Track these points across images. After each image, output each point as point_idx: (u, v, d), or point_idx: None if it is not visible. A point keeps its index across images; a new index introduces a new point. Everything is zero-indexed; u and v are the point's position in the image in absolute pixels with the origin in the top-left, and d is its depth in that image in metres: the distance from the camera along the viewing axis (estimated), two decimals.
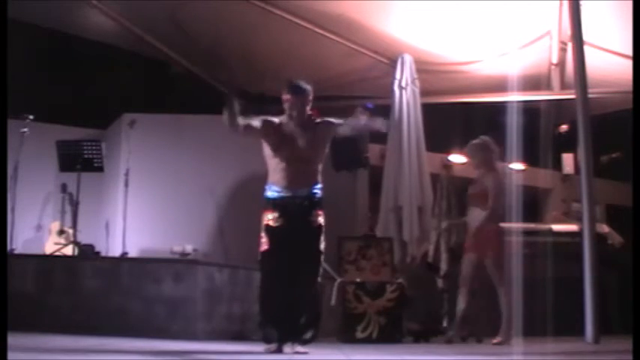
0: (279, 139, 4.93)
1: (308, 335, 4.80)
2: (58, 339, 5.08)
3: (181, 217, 8.50)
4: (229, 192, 8.80)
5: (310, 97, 4.98)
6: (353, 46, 8.53)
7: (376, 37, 8.34)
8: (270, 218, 4.84)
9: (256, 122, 4.97)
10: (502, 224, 6.35)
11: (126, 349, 4.62)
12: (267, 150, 4.96)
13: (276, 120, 5.03)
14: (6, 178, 7.12)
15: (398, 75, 8.36)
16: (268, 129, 4.96)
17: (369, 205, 8.93)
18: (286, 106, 4.98)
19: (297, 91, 4.97)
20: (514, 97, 8.12)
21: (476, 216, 6.34)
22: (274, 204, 4.85)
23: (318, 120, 5.03)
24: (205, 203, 8.65)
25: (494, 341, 6.11)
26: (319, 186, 4.95)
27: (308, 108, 4.99)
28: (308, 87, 4.99)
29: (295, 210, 4.83)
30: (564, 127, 10.47)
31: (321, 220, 4.88)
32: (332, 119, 5.03)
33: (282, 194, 4.86)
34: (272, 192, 4.89)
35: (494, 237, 6.22)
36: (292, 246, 4.76)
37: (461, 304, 6.33)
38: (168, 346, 5.02)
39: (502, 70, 8.47)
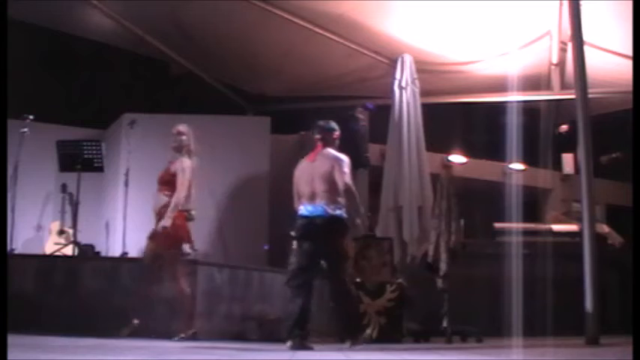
0: None
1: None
2: (58, 339, 5.08)
3: None
4: (229, 192, 8.79)
5: None
6: (353, 46, 8.53)
7: (376, 37, 8.35)
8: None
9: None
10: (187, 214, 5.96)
11: (126, 349, 4.62)
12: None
13: None
14: (6, 178, 7.12)
15: (398, 75, 8.36)
16: None
17: (369, 205, 8.93)
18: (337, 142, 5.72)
19: None
20: (514, 97, 8.13)
21: (159, 202, 5.98)
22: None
23: None
24: (205, 203, 8.64)
25: (182, 335, 5.70)
26: None
27: None
28: None
29: None
30: (564, 127, 10.47)
31: None
32: None
33: None
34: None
35: (174, 227, 5.83)
36: None
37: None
38: (169, 346, 5.02)
39: (502, 70, 8.47)
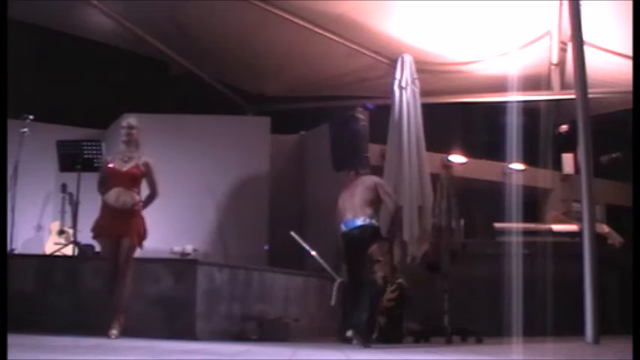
0: None
1: None
2: (58, 339, 5.08)
3: (181, 217, 8.50)
4: (229, 192, 8.79)
5: None
6: (353, 46, 8.53)
7: (376, 37, 8.34)
8: None
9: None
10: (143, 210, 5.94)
11: (126, 349, 4.62)
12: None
13: None
14: (6, 178, 7.11)
15: (398, 75, 8.35)
16: None
17: None
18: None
19: None
20: (514, 97, 8.12)
21: (118, 196, 5.83)
22: None
23: None
24: (205, 203, 8.64)
25: (110, 332, 5.55)
26: None
27: None
28: None
29: None
30: (564, 127, 10.46)
31: None
32: None
33: None
34: None
35: (137, 221, 5.86)
36: None
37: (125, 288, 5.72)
38: (168, 346, 5.02)
39: (502, 70, 8.47)
